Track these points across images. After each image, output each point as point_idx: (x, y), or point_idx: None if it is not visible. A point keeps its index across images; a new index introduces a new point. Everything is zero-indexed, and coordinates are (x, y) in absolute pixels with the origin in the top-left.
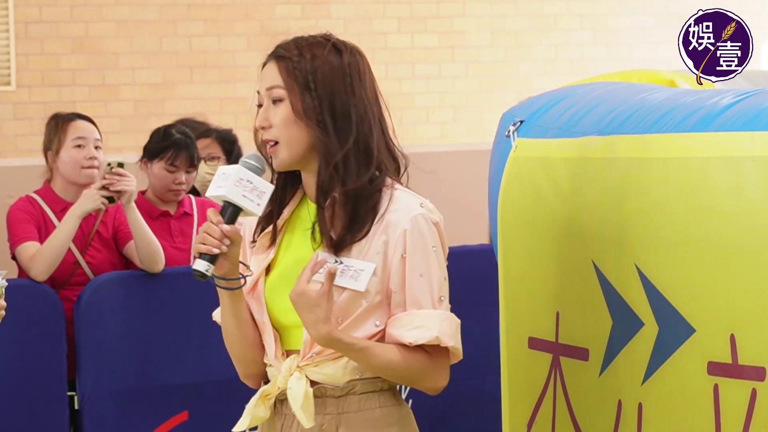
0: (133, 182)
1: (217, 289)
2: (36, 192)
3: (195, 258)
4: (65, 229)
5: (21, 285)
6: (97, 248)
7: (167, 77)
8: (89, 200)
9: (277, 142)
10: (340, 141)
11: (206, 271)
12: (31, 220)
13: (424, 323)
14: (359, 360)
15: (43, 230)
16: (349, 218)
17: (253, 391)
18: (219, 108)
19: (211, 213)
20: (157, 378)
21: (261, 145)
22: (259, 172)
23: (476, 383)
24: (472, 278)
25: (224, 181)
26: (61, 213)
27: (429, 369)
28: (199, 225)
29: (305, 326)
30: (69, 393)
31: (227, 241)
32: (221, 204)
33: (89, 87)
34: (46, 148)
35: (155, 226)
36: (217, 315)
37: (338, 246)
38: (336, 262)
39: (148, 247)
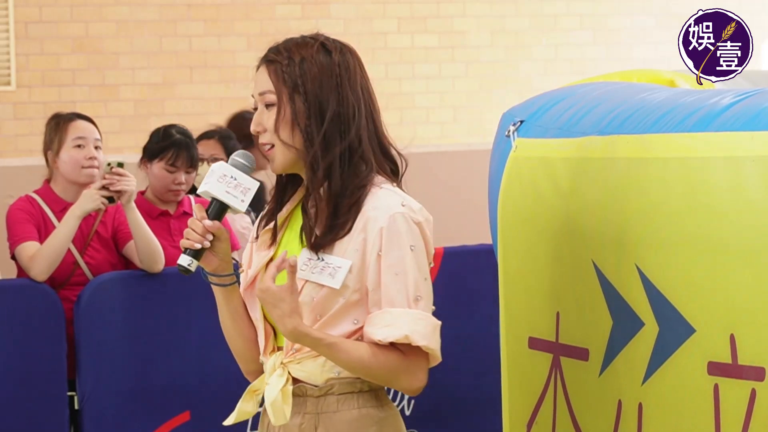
0: (132, 182)
1: (211, 285)
2: (36, 192)
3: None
4: (65, 229)
5: (21, 285)
6: (96, 248)
7: (167, 77)
8: (89, 200)
9: (272, 146)
10: (327, 144)
11: (188, 265)
12: (31, 220)
13: (394, 322)
14: (329, 355)
15: (43, 230)
16: (331, 216)
17: None
18: (219, 108)
19: (196, 208)
20: (158, 378)
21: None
22: (246, 169)
23: (476, 383)
24: (472, 278)
25: (209, 178)
26: (60, 213)
27: (403, 369)
28: None
29: (274, 322)
30: (69, 393)
31: (210, 236)
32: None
33: (89, 87)
34: (46, 148)
35: (155, 225)
36: None
37: (319, 244)
38: (318, 259)
39: (148, 246)
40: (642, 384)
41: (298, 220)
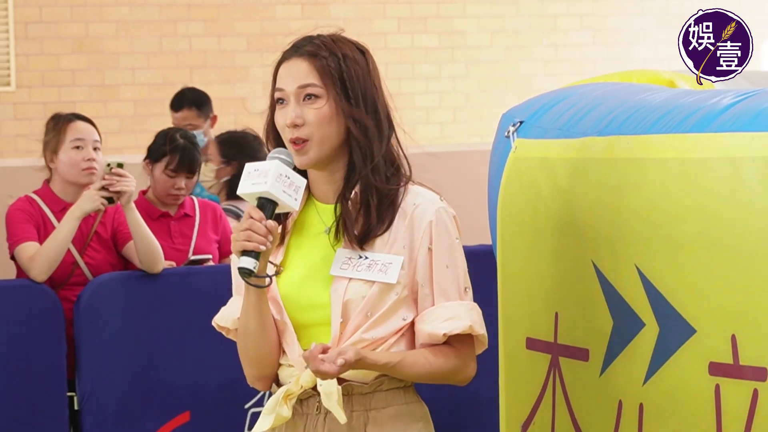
0: (132, 183)
1: (246, 288)
2: (35, 192)
3: (239, 255)
4: (65, 229)
5: (20, 285)
6: (95, 249)
7: (167, 77)
8: (88, 201)
9: (306, 141)
10: (374, 140)
11: (254, 268)
12: (31, 221)
13: (455, 314)
14: (396, 373)
15: (43, 230)
16: (373, 214)
17: (255, 392)
18: (219, 108)
19: (252, 210)
20: (158, 378)
21: (269, 142)
22: (291, 167)
23: (475, 384)
24: (472, 278)
25: (263, 177)
26: (60, 213)
27: (459, 362)
28: (200, 226)
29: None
30: (69, 393)
31: (271, 238)
32: (253, 202)
33: (89, 87)
34: (46, 149)
35: (155, 226)
36: (223, 320)
37: (363, 240)
38: (362, 257)
39: (147, 247)
40: (643, 384)
41: (306, 223)
